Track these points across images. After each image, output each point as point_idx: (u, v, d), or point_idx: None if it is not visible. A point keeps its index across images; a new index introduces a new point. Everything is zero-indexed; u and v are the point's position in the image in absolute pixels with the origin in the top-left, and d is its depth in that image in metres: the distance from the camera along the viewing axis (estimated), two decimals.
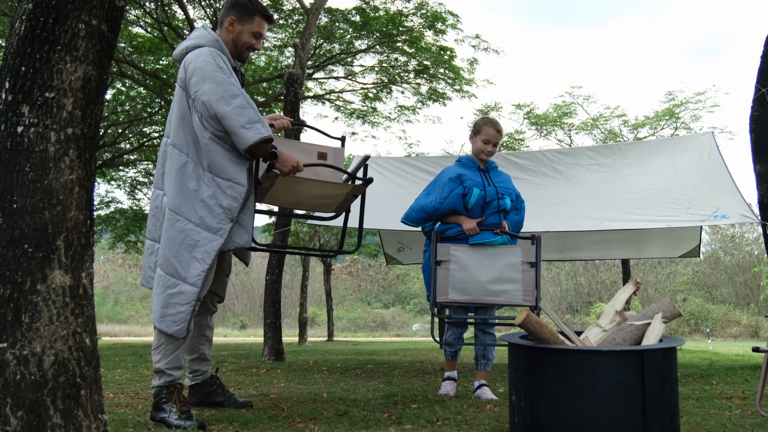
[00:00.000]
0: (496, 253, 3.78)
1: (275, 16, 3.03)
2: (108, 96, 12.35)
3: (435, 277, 3.77)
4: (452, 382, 3.89)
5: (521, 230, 4.07)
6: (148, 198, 16.11)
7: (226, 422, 2.77)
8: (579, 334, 2.49)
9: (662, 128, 15.36)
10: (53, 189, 1.78)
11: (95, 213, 15.35)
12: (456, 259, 3.76)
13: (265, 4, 3.00)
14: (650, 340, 2.26)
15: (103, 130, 12.71)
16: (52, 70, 1.80)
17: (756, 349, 3.23)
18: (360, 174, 3.17)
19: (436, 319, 4.06)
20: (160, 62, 11.65)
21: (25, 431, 1.68)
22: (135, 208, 15.79)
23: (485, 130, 3.88)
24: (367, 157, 3.17)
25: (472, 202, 3.80)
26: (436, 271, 3.77)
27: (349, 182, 3.20)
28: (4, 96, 1.79)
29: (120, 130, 13.33)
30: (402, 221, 4.00)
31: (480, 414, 3.06)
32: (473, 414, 3.06)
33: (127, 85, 12.31)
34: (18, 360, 1.70)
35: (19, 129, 1.77)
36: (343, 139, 3.50)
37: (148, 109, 12.80)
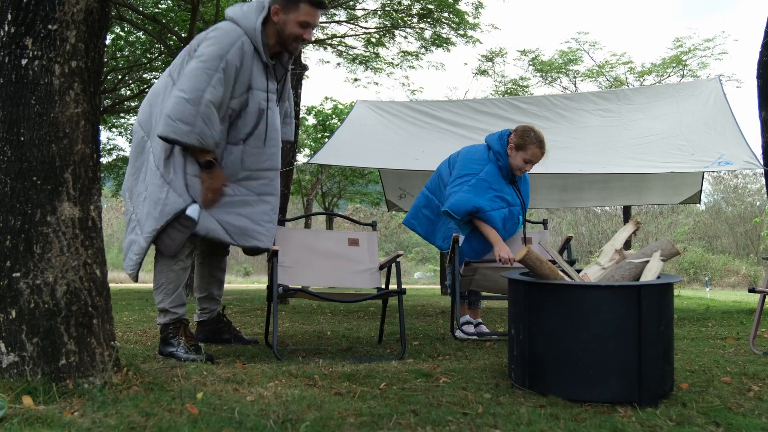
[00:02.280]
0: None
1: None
2: (107, 41, 12.16)
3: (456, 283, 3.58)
4: (471, 325, 3.86)
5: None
6: None
7: (233, 356, 2.85)
8: (578, 272, 2.53)
9: (669, 75, 15.15)
10: (59, 122, 1.79)
11: None
12: (481, 272, 3.61)
13: None
14: (648, 277, 2.30)
15: (102, 77, 12.56)
16: (54, 2, 1.79)
17: (752, 290, 3.29)
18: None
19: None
20: (160, 5, 11.43)
21: (41, 357, 1.75)
22: None
23: (531, 150, 3.55)
24: (399, 255, 3.20)
25: (512, 229, 3.70)
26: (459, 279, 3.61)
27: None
28: (6, 28, 1.78)
29: (120, 76, 13.18)
30: (449, 210, 3.56)
31: (480, 350, 3.14)
32: (473, 350, 3.14)
33: (126, 29, 12.10)
34: (31, 289, 1.75)
35: (24, 61, 1.77)
36: (374, 224, 3.47)
37: (148, 55, 12.62)
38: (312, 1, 2.70)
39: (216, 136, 2.62)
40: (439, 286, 14.23)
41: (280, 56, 2.85)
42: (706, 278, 17.30)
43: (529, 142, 3.53)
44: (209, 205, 2.73)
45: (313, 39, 2.86)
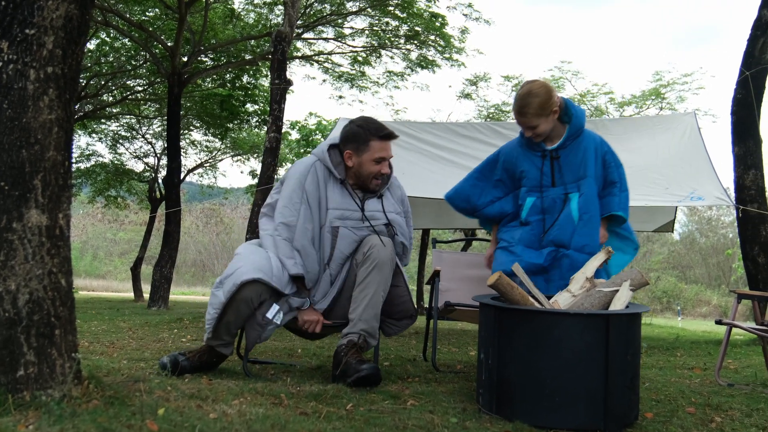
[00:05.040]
0: None
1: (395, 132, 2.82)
2: (91, 46, 12.08)
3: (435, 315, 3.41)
4: None
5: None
6: (130, 153, 15.96)
7: (200, 372, 2.81)
8: (549, 298, 2.55)
9: (648, 107, 15.43)
10: (31, 128, 1.77)
11: (75, 165, 15.15)
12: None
13: None
14: (617, 306, 2.33)
15: (85, 81, 12.46)
16: (33, 7, 1.77)
17: (719, 322, 3.33)
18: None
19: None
20: (147, 13, 11.40)
21: None
22: (116, 162, 15.63)
23: (514, 113, 2.91)
24: None
25: (524, 214, 2.93)
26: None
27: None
28: None
29: (103, 82, 13.08)
30: (445, 198, 3.25)
31: (450, 373, 3.13)
32: (443, 373, 3.13)
33: (112, 35, 12.04)
34: None
35: None
36: None
37: (133, 62, 12.56)
38: (381, 136, 2.74)
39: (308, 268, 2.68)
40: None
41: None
42: (678, 307, 17.51)
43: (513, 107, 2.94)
44: (309, 331, 2.75)
45: (390, 171, 2.83)
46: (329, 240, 2.73)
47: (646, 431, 2.07)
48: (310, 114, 18.10)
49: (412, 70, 12.97)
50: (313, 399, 2.22)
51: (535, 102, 2.79)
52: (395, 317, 2.86)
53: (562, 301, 2.47)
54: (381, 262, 2.68)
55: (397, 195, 2.94)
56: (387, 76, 13.38)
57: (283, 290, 2.63)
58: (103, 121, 14.85)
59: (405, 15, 11.38)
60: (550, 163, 2.90)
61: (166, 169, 11.38)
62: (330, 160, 2.77)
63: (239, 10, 12.18)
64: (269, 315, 2.64)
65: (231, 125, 14.08)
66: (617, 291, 2.40)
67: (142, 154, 15.96)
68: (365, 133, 2.74)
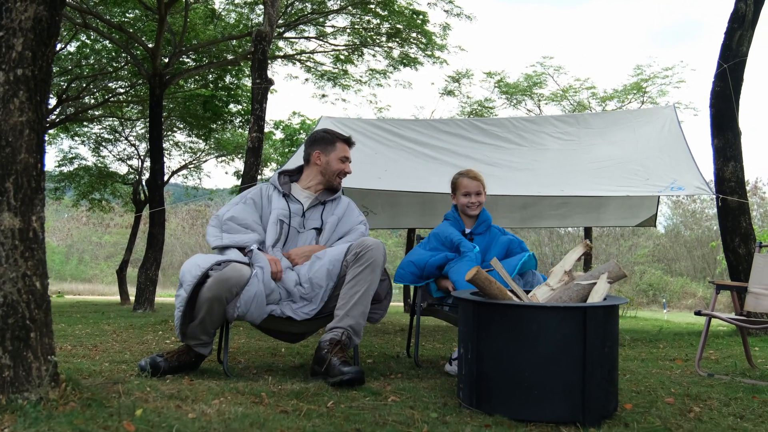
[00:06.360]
0: None
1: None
2: (72, 49, 11.96)
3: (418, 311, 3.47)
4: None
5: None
6: (114, 155, 15.84)
7: (182, 372, 2.80)
8: (528, 293, 2.56)
9: (630, 102, 15.54)
10: (2, 130, 1.76)
11: (58, 169, 14.97)
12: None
13: None
14: (595, 298, 2.35)
15: (66, 84, 12.33)
16: (1, 9, 1.76)
17: (698, 313, 3.37)
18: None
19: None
20: (127, 15, 11.31)
21: None
22: (99, 165, 15.49)
23: (461, 182, 3.48)
24: None
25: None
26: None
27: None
28: None
29: (84, 85, 12.95)
30: (395, 281, 3.42)
31: (432, 369, 3.15)
32: (426, 369, 3.15)
33: (92, 37, 11.92)
34: None
35: None
36: None
37: (114, 64, 12.44)
38: (344, 139, 3.20)
39: (236, 238, 2.89)
40: (401, 303, 14.21)
41: (325, 193, 3.18)
42: (664, 300, 17.66)
43: (456, 178, 3.52)
44: (277, 275, 2.83)
45: (351, 171, 3.30)
46: (275, 229, 2.99)
47: (625, 422, 2.10)
48: (294, 113, 18.06)
49: (395, 68, 12.97)
50: (294, 397, 2.23)
51: (480, 175, 3.53)
52: (376, 299, 2.91)
53: (540, 294, 2.49)
54: (374, 263, 2.77)
55: (342, 207, 3.23)
56: (369, 74, 13.36)
57: (242, 260, 2.74)
58: (85, 124, 14.70)
59: (386, 13, 11.37)
60: (469, 239, 3.42)
61: (149, 171, 11.30)
62: (277, 180, 3.16)
63: (220, 10, 12.11)
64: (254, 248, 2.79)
65: (214, 126, 14.00)
66: (595, 284, 2.42)
67: (125, 157, 15.84)
68: (331, 137, 3.18)
